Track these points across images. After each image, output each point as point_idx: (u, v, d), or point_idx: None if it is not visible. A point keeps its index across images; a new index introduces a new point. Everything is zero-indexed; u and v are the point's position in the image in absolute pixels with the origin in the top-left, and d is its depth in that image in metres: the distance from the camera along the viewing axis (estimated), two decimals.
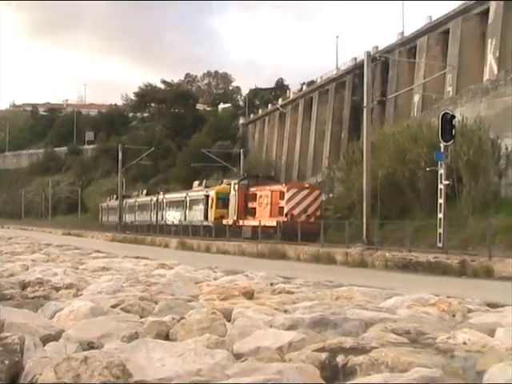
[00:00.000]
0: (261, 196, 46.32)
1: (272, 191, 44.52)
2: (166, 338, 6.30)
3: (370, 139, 37.82)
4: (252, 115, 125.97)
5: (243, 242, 42.76)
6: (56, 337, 6.06)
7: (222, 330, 6.51)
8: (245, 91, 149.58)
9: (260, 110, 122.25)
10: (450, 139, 32.61)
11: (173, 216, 69.24)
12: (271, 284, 13.22)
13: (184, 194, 67.52)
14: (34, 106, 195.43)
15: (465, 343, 5.95)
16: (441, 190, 32.52)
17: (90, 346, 5.75)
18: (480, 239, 30.26)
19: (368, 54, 41.51)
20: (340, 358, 5.01)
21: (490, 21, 64.79)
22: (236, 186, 49.95)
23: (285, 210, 42.25)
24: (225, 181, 61.42)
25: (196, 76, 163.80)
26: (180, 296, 9.69)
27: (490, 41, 64.30)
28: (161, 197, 75.49)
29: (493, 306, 10.09)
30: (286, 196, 42.11)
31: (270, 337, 5.95)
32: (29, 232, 67.74)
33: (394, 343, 5.67)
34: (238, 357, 5.40)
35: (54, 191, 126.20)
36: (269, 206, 44.38)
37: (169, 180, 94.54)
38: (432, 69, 67.38)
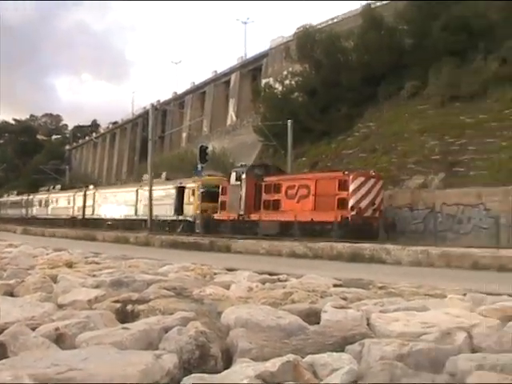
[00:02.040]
0: (292, 186, 27.82)
1: (321, 179, 26.74)
2: (11, 295, 6.04)
3: (153, 160, 37.75)
4: (75, 143, 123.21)
5: (71, 229, 41.40)
6: None
7: (49, 289, 6.31)
8: (70, 127, 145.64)
9: (80, 140, 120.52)
10: (204, 162, 33.34)
11: (112, 210, 44.89)
12: (85, 257, 12.88)
13: (134, 188, 43.08)
14: None
15: (210, 294, 6.08)
16: (198, 195, 32.91)
17: None
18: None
19: (152, 105, 41.94)
20: (129, 307, 5.01)
21: (231, 87, 66.62)
22: (243, 176, 29.72)
23: (350, 203, 24.84)
24: (207, 172, 36.33)
25: (38, 116, 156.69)
26: (22, 266, 9.24)
27: (231, 100, 66.15)
28: (90, 192, 49.59)
29: (230, 269, 10.28)
30: (351, 187, 25.06)
31: (83, 293, 5.84)
32: None
33: (165, 296, 5.70)
34: (60, 307, 5.27)
35: None
36: (311, 197, 26.45)
37: (16, 186, 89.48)
38: (194, 116, 68.58)
